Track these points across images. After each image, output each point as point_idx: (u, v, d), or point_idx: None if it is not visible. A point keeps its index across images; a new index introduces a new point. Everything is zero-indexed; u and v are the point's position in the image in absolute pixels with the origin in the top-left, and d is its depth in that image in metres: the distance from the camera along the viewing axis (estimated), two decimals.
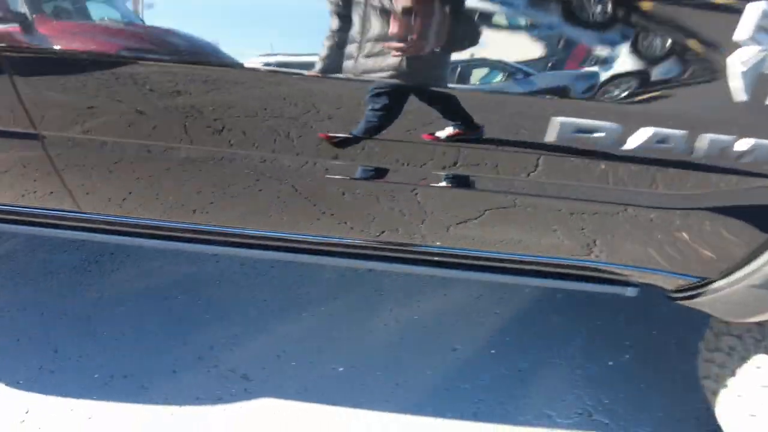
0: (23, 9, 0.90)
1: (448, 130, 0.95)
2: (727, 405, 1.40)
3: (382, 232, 1.16)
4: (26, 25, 0.91)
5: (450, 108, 0.94)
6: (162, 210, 1.19)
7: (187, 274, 2.15)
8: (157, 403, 1.65)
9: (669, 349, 1.88)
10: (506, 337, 1.92)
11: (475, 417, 1.65)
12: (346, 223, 1.16)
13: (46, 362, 1.76)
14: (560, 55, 0.88)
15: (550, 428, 1.63)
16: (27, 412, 1.61)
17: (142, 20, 0.94)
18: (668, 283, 1.18)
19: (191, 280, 2.11)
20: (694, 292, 1.14)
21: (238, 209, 1.19)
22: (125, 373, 1.74)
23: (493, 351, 1.86)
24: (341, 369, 1.78)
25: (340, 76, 0.90)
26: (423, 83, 0.92)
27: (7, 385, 1.68)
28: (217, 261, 2.23)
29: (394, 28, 0.85)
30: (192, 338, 1.87)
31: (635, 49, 0.83)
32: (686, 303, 1.19)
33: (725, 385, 1.38)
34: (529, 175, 1.01)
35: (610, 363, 1.83)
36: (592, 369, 1.81)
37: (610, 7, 0.82)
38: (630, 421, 1.65)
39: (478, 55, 0.88)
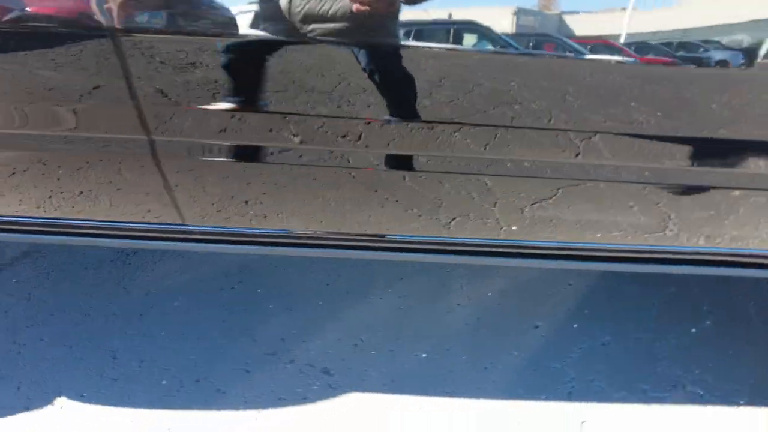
0: None
1: None
2: None
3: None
4: None
5: None
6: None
7: (236, 263, 1.98)
8: (237, 407, 1.54)
9: (749, 314, 1.84)
10: (584, 310, 1.85)
11: (570, 397, 1.59)
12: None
13: (106, 370, 1.61)
14: None
15: (646, 403, 1.59)
16: (96, 426, 1.48)
17: None
18: None
19: (242, 269, 1.96)
20: None
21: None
22: (196, 377, 1.60)
23: (575, 325, 1.79)
24: (424, 355, 1.69)
25: None
26: None
27: (70, 398, 1.54)
28: None
29: None
30: (259, 332, 1.73)
31: None
32: None
33: None
34: None
35: (693, 330, 1.79)
36: (676, 338, 1.76)
37: None
38: (724, 391, 1.61)
39: None
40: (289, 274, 1.94)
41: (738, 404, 1.58)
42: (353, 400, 1.56)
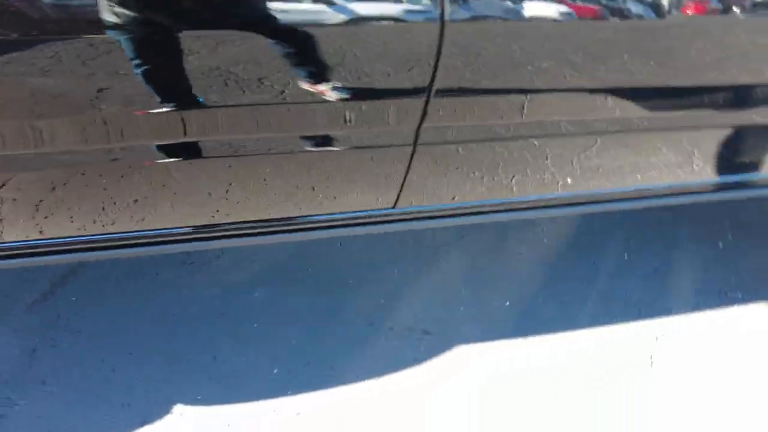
0: None
1: None
2: None
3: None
4: None
5: None
6: None
7: (298, 247, 1.97)
8: (355, 380, 1.58)
9: (764, 225, 2.12)
10: (629, 241, 2.04)
11: (640, 315, 1.79)
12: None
13: (212, 371, 1.58)
14: None
15: (700, 311, 1.82)
16: (229, 426, 1.47)
17: None
18: None
19: (306, 253, 1.95)
20: None
21: None
22: (305, 360, 1.62)
23: (625, 256, 1.98)
24: (507, 303, 1.81)
25: None
26: None
27: (187, 404, 1.50)
28: None
29: None
30: (349, 308, 1.76)
31: None
32: None
33: None
34: None
35: (720, 245, 2.04)
36: (708, 253, 2.01)
37: None
38: (760, 293, 1.88)
39: None
40: (354, 252, 1.96)
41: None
42: (458, 353, 1.65)
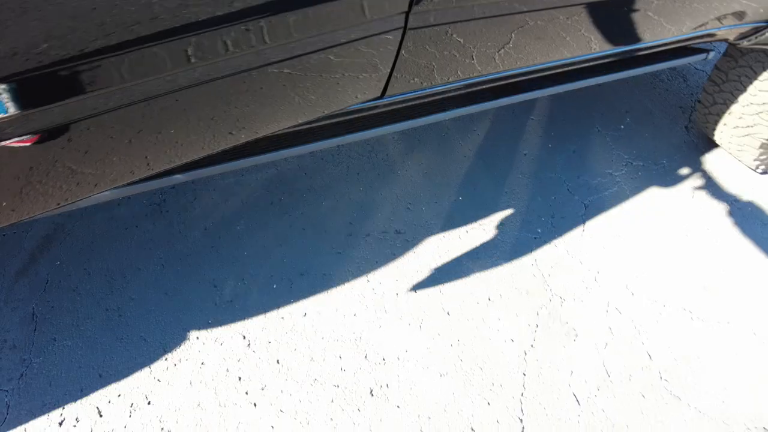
0: None
1: None
2: (724, 122, 2.05)
3: None
4: None
5: None
6: None
7: (269, 178, 2.08)
8: (348, 281, 1.77)
9: (654, 112, 2.51)
10: (551, 134, 2.34)
11: (570, 192, 2.11)
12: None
13: (216, 298, 1.70)
14: None
15: (614, 181, 2.17)
16: (244, 338, 1.62)
17: None
18: (733, 33, 1.67)
19: (273, 185, 2.07)
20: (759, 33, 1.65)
21: None
22: (299, 272, 1.78)
23: (549, 145, 2.29)
24: (460, 198, 2.05)
25: None
26: None
27: (201, 329, 1.62)
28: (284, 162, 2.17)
29: None
30: (328, 224, 1.93)
31: None
32: (752, 45, 1.70)
33: (725, 107, 2.02)
34: None
35: (622, 127, 2.40)
36: (612, 134, 2.36)
37: None
38: (654, 158, 2.27)
39: None
40: (315, 177, 2.11)
41: (663, 163, 2.25)
42: (430, 243, 1.89)
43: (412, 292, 1.75)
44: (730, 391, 1.58)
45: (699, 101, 2.18)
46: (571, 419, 1.50)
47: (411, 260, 1.84)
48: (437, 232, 1.93)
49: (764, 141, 1.98)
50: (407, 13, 1.01)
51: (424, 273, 1.80)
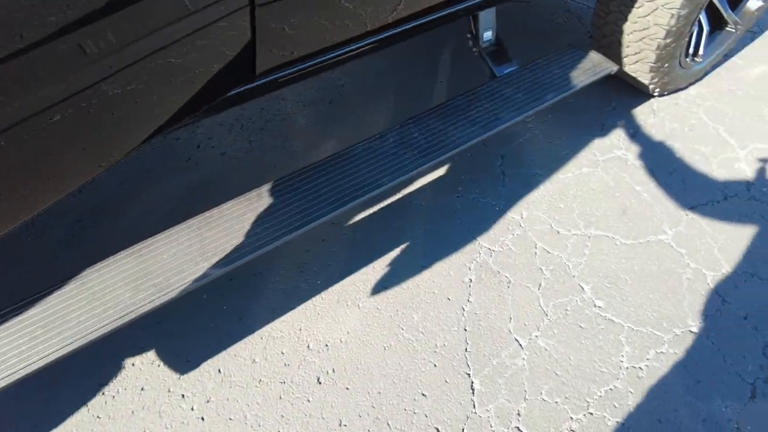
0: None
1: None
2: (615, 53, 2.09)
3: None
4: None
5: None
6: None
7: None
8: (278, 274, 1.71)
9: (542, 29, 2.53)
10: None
11: (485, 146, 2.11)
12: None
13: (143, 323, 1.61)
14: None
15: (525, 128, 2.19)
16: (186, 358, 1.54)
17: None
18: None
19: (239, 120, 1.97)
20: None
21: None
22: (230, 276, 1.71)
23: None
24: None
25: None
26: None
27: (136, 354, 1.54)
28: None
29: None
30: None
31: None
32: None
33: (613, 38, 2.05)
34: None
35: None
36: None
37: None
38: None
39: None
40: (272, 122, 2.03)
41: (569, 102, 2.28)
42: (353, 217, 1.85)
43: (346, 272, 1.71)
44: (654, 301, 1.63)
45: (591, 37, 2.22)
46: (517, 363, 1.51)
47: (338, 238, 1.80)
48: (360, 210, 1.89)
49: (652, 65, 2.03)
50: None
51: (353, 251, 1.77)
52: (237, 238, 1.25)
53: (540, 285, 1.68)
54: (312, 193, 1.35)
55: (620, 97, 2.30)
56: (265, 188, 1.38)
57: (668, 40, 1.92)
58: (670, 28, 1.88)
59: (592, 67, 1.78)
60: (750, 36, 2.60)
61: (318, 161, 1.46)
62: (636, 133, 2.15)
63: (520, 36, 2.60)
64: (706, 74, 2.38)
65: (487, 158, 2.06)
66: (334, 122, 2.22)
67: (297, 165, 2.05)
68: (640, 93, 2.29)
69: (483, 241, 1.79)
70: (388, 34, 1.32)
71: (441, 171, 2.02)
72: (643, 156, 2.07)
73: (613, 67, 1.82)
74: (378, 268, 1.72)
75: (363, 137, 2.11)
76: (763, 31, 2.62)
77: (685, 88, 2.33)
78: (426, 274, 1.70)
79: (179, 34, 0.91)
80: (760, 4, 2.22)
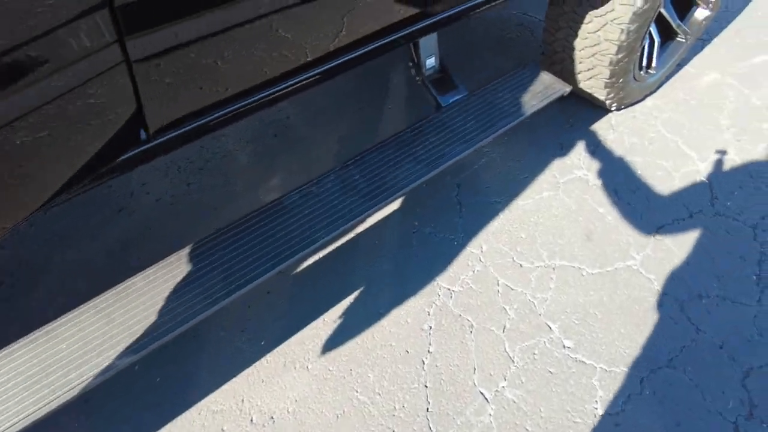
0: None
1: None
2: (568, 70, 1.99)
3: None
4: None
5: None
6: None
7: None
8: (216, 335, 1.53)
9: (509, 71, 2.43)
10: (413, 117, 2.20)
11: (441, 173, 1.98)
12: None
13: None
14: None
15: (482, 152, 2.07)
16: (243, 401, 1.34)
17: None
18: None
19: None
20: None
21: None
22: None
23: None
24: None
25: None
26: None
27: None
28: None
29: None
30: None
31: None
32: None
33: (565, 54, 1.96)
34: None
35: None
36: None
37: None
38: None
39: None
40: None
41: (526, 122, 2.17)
42: (301, 266, 1.69)
43: (293, 329, 1.54)
44: (626, 335, 1.51)
45: (542, 53, 2.12)
46: (483, 421, 1.36)
47: (283, 289, 1.63)
48: (309, 258, 1.73)
49: (607, 80, 1.93)
50: (122, 43, 0.79)
51: (300, 303, 1.60)
52: (150, 317, 1.07)
53: (504, 327, 1.54)
54: (238, 255, 1.18)
55: (577, 112, 2.21)
56: (185, 252, 1.21)
57: (620, 55, 1.83)
58: (621, 43, 1.78)
59: (543, 89, 1.66)
60: (700, 44, 2.55)
61: (246, 216, 1.29)
62: (596, 151, 2.05)
63: (470, 55, 2.49)
64: (660, 85, 2.31)
65: (442, 187, 1.93)
66: (278, 158, 2.06)
67: (238, 207, 1.88)
68: (597, 107, 2.20)
69: (442, 281, 1.65)
70: (308, 75, 1.17)
71: (394, 204, 1.88)
72: (605, 175, 1.97)
73: (566, 89, 1.71)
74: (328, 320, 1.56)
75: (309, 172, 1.95)
76: (711, 39, 2.58)
77: (642, 100, 2.25)
78: (382, 324, 1.55)
79: (42, 98, 0.74)
80: (707, 13, 2.16)
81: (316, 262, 1.70)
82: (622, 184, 1.93)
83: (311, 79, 1.17)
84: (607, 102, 2.08)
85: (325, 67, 1.21)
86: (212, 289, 1.12)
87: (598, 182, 1.94)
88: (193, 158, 2.09)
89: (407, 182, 1.34)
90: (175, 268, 1.17)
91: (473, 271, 1.68)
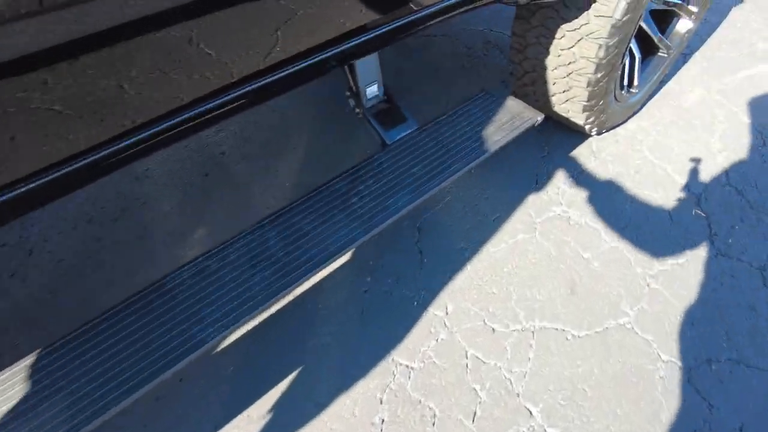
0: None
1: None
2: (541, 92, 1.73)
3: None
4: None
5: None
6: None
7: None
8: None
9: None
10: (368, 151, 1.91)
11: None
12: None
13: None
14: None
15: (444, 190, 1.78)
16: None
17: None
18: None
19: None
20: None
21: None
22: None
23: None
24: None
25: None
26: None
27: None
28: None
29: None
30: None
31: None
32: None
33: (536, 74, 1.69)
34: None
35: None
36: None
37: None
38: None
39: None
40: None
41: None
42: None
43: (210, 428, 1.22)
44: (623, 418, 1.22)
45: (511, 73, 1.85)
46: None
47: (203, 374, 1.30)
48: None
49: (585, 103, 1.67)
50: None
51: (221, 393, 1.28)
52: None
53: (474, 414, 1.24)
54: (87, 374, 0.86)
55: (552, 137, 1.94)
56: (25, 363, 0.88)
57: (599, 75, 1.57)
58: (599, 61, 1.52)
59: (510, 119, 1.39)
60: (682, 58, 2.32)
61: (110, 309, 0.97)
62: (576, 183, 1.78)
63: (428, 78, 2.22)
64: (643, 105, 2.06)
65: (400, 233, 1.63)
66: (207, 204, 1.74)
67: (156, 267, 1.55)
68: (575, 132, 1.94)
69: (398, 356, 1.34)
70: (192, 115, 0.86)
71: (342, 257, 1.57)
72: (587, 211, 1.70)
73: (537, 117, 1.44)
74: (254, 416, 1.23)
75: (240, 221, 1.64)
76: (692, 53, 2.35)
77: (624, 122, 1.99)
78: (322, 419, 1.23)
79: None
80: (690, 25, 1.93)
81: (238, 340, 1.38)
82: (608, 221, 1.66)
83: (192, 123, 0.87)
84: (587, 126, 1.81)
85: (229, 96, 0.91)
86: (51, 425, 0.80)
87: (581, 220, 1.66)
88: (107, 206, 1.76)
89: (335, 249, 1.04)
90: (8, 390, 0.84)
91: (436, 340, 1.37)
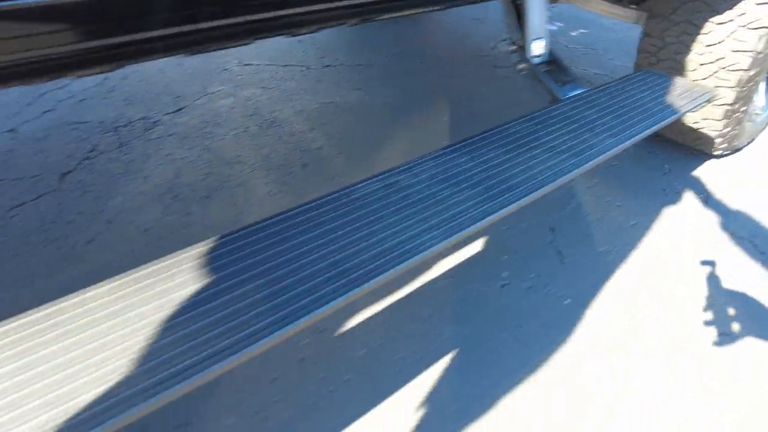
0: None
1: None
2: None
3: None
4: None
5: None
6: None
7: None
8: None
9: None
10: None
11: (527, 214, 1.46)
12: None
13: None
14: None
15: (571, 194, 1.58)
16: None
17: None
18: None
19: None
20: None
21: None
22: None
23: None
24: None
25: None
26: None
27: None
28: None
29: None
30: None
31: None
32: None
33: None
34: None
35: None
36: None
37: None
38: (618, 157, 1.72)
39: None
40: None
41: (613, 164, 1.71)
42: None
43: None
44: None
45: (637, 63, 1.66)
46: None
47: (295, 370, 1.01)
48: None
49: (728, 108, 1.50)
50: None
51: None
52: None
53: None
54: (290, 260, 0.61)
55: (672, 156, 1.76)
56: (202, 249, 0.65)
57: (752, 72, 1.43)
58: (756, 56, 1.39)
59: (682, 92, 1.22)
60: None
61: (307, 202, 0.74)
62: (707, 200, 1.57)
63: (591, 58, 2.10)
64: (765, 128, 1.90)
65: (531, 232, 1.40)
66: (305, 192, 1.53)
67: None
68: (690, 153, 1.77)
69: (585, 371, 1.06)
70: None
71: (473, 246, 1.33)
72: (730, 226, 1.47)
73: (709, 93, 1.27)
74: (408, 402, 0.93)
75: None
76: None
77: (746, 145, 1.83)
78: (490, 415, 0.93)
79: None
80: None
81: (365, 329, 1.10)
82: (758, 238, 1.43)
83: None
84: (717, 141, 1.64)
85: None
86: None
87: (723, 236, 1.43)
88: (196, 186, 1.56)
89: (549, 176, 0.82)
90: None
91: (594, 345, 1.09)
